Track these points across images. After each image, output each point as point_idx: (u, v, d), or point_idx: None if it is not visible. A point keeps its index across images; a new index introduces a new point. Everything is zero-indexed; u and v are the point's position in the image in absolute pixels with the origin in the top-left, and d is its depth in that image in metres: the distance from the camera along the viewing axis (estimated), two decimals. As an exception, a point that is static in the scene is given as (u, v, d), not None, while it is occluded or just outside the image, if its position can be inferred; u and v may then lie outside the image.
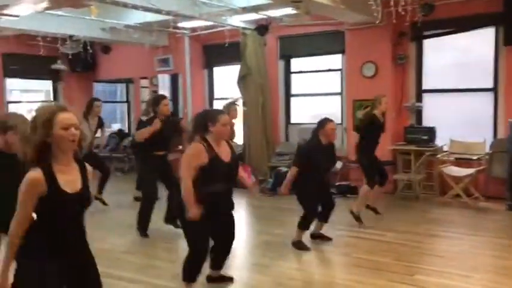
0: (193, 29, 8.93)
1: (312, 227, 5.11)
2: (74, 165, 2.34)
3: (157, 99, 5.44)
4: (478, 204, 6.63)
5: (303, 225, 4.91)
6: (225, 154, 3.60)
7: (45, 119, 2.22)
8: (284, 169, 7.93)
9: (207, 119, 3.57)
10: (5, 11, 5.87)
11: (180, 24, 8.53)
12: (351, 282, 4.04)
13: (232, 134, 6.09)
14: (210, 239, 3.66)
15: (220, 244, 3.80)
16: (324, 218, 5.12)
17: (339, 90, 8.44)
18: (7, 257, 2.26)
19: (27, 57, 9.95)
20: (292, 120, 9.09)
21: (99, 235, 5.31)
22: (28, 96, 12.34)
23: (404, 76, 7.66)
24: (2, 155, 3.21)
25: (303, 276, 4.38)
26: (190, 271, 3.63)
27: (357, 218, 5.68)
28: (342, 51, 8.14)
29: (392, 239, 5.24)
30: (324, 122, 4.93)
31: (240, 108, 7.56)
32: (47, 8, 6.34)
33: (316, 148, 4.87)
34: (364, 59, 7.66)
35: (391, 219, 6.03)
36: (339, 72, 8.41)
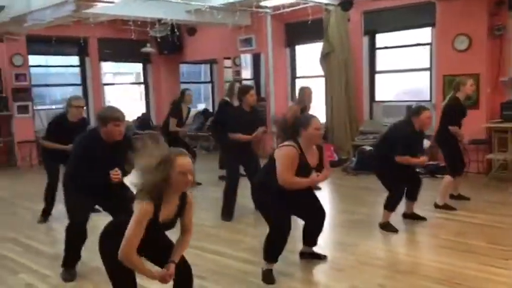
0: (276, 8, 8.91)
1: (403, 207, 5.00)
2: (176, 200, 2.60)
3: (244, 89, 5.51)
4: None
5: (390, 206, 4.78)
6: (312, 159, 3.64)
7: (167, 162, 2.47)
8: (368, 148, 7.76)
9: (298, 124, 3.61)
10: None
11: (262, 3, 8.55)
12: (440, 264, 3.89)
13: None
14: (295, 217, 3.73)
15: (312, 222, 3.87)
16: (412, 196, 4.97)
17: (427, 66, 8.03)
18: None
19: (119, 41, 10.53)
20: (377, 98, 8.81)
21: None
22: (120, 79, 13.11)
23: (502, 48, 7.10)
24: (104, 144, 3.63)
25: (388, 256, 4.30)
26: (271, 250, 3.68)
27: (447, 207, 5.40)
28: (432, 24, 7.71)
29: (484, 221, 4.96)
30: (419, 111, 4.66)
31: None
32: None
33: (414, 136, 4.69)
34: (456, 31, 7.20)
35: (482, 200, 5.70)
36: (428, 46, 7.99)
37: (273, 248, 3.67)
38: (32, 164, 9.60)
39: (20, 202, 6.63)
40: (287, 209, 3.64)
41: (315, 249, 4.08)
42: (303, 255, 4.08)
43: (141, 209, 2.44)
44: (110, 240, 2.58)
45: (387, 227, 4.78)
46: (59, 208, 5.64)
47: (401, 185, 4.79)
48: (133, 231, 2.44)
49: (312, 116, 3.71)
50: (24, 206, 6.27)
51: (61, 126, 5.17)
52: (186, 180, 2.47)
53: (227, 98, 7.35)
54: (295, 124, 3.64)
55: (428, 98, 8.00)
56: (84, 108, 5.48)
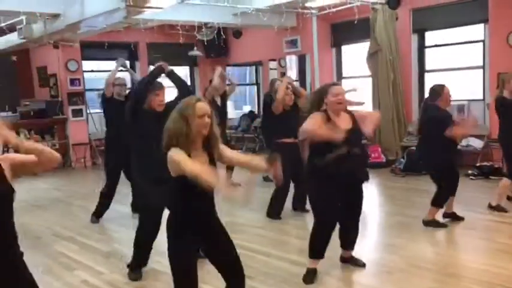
0: (321, 8, 8.85)
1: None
2: (202, 150, 2.60)
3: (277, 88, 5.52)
4: None
5: (438, 201, 4.68)
6: (344, 123, 3.54)
7: (186, 109, 2.52)
8: (417, 149, 7.57)
9: (321, 93, 3.63)
10: (150, 4, 6.40)
11: (307, 4, 8.52)
12: (493, 268, 3.75)
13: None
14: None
15: (345, 220, 3.74)
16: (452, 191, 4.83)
17: (480, 64, 7.75)
18: None
19: (167, 45, 10.78)
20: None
21: (234, 210, 5.64)
22: (168, 82, 13.40)
23: (561, 44, 6.77)
24: (149, 112, 3.78)
25: (439, 260, 4.18)
26: (315, 245, 3.65)
27: (499, 209, 5.18)
28: (485, 20, 7.44)
29: (544, 225, 4.75)
30: (439, 89, 4.69)
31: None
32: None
33: (447, 118, 4.63)
34: (510, 27, 6.92)
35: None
36: (481, 43, 7.72)
37: (315, 243, 3.64)
38: (86, 165, 9.99)
39: (75, 202, 6.92)
40: (333, 200, 3.56)
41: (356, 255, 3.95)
42: (343, 259, 3.94)
43: (174, 152, 2.44)
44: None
45: (433, 223, 4.67)
46: (111, 207, 5.86)
47: (451, 181, 4.65)
48: (183, 162, 2.40)
49: (333, 84, 3.72)
50: (79, 205, 6.55)
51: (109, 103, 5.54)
52: (204, 122, 2.52)
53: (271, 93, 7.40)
54: (319, 95, 3.66)
55: (481, 97, 7.73)
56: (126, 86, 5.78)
